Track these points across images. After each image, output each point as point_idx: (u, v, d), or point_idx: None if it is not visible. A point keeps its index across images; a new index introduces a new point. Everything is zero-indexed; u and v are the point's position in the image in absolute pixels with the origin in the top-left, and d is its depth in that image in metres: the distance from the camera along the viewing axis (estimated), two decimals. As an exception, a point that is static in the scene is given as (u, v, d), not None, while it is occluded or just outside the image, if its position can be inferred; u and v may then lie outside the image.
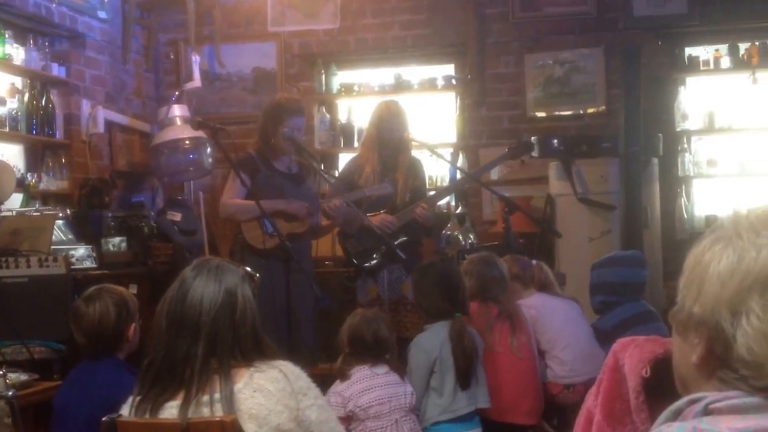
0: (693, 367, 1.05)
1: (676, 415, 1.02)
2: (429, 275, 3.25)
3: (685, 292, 1.06)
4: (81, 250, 4.32)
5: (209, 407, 1.78)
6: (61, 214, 4.50)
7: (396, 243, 3.97)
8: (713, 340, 1.01)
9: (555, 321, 3.54)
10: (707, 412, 0.99)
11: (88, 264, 4.31)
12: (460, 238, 4.97)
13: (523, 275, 3.66)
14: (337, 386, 2.92)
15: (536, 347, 3.47)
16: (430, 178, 5.41)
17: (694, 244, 1.10)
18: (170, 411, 1.82)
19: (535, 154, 4.84)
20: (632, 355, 1.55)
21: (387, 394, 2.88)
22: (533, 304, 3.57)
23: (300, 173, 4.20)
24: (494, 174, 5.45)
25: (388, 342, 2.98)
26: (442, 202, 5.28)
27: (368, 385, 2.89)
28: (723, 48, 5.43)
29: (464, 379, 3.06)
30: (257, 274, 2.03)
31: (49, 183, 4.95)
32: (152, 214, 5.04)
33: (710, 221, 4.98)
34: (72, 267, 4.17)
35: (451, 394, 3.06)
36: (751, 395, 0.99)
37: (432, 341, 3.10)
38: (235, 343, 1.86)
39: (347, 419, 2.85)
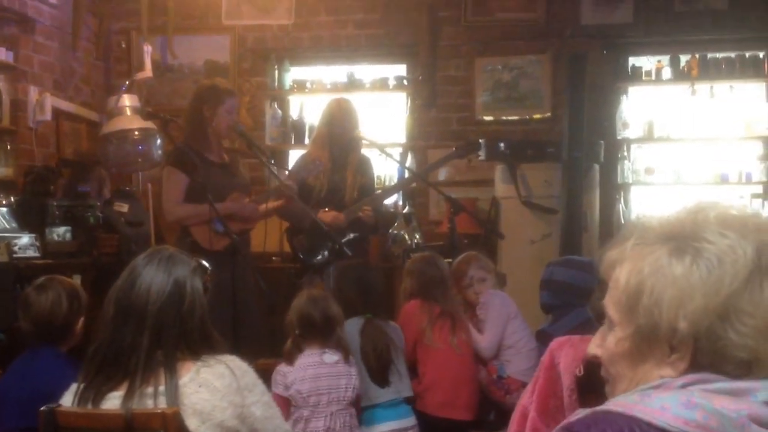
0: (655, 376, 1.04)
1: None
2: (348, 275, 3.37)
3: (660, 309, 1.01)
4: (24, 239, 4.27)
5: (153, 399, 1.78)
6: (4, 202, 4.45)
7: (343, 240, 4.02)
8: (699, 352, 1.00)
9: (520, 317, 3.68)
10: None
11: (31, 253, 4.26)
12: (407, 237, 5.05)
13: (495, 270, 3.78)
14: (284, 366, 2.95)
15: (498, 343, 3.58)
16: (379, 177, 5.47)
17: (628, 253, 1.07)
18: (113, 402, 1.81)
19: (482, 156, 4.93)
20: (567, 354, 1.64)
21: (328, 385, 2.92)
22: (509, 299, 3.69)
23: (231, 162, 4.17)
24: (441, 175, 5.55)
25: (338, 318, 3.02)
26: (390, 201, 5.36)
27: (313, 373, 2.92)
28: (665, 59, 5.61)
29: (379, 376, 3.15)
30: (210, 268, 2.02)
31: (-8, 170, 4.87)
32: (99, 204, 4.99)
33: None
34: (15, 255, 4.13)
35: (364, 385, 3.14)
36: (721, 380, 0.99)
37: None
38: (182, 335, 1.85)
39: (287, 401, 2.90)
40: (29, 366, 2.59)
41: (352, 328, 3.21)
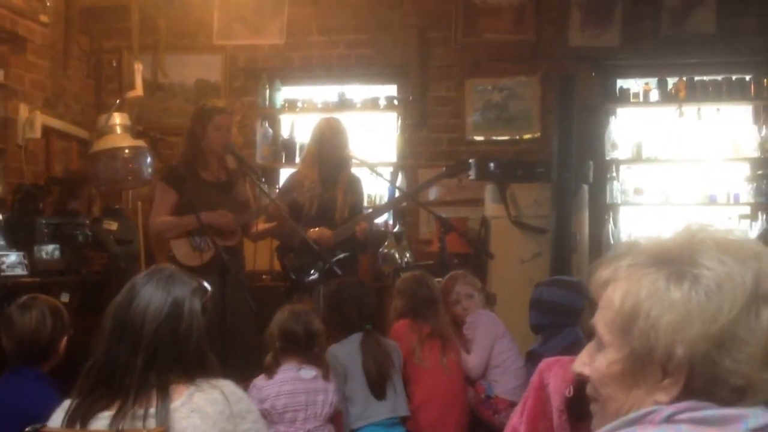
0: (647, 400, 1.03)
1: (633, 423, 1.01)
2: (343, 294, 3.37)
3: (652, 333, 1.01)
4: (12, 257, 4.24)
5: (142, 421, 1.75)
6: (-7, 219, 4.43)
7: (333, 259, 4.03)
8: (694, 377, 1.00)
9: (508, 336, 3.68)
10: (670, 422, 0.99)
11: (19, 271, 4.23)
12: (397, 256, 5.06)
13: (482, 287, 3.80)
14: (261, 380, 2.94)
15: (485, 362, 3.58)
16: (369, 196, 5.49)
17: (622, 273, 1.07)
18: (102, 422, 1.78)
19: (472, 176, 4.96)
20: (557, 374, 1.64)
21: (305, 401, 2.91)
22: (497, 319, 3.69)
23: (229, 181, 4.20)
24: (432, 194, 5.56)
25: (319, 334, 3.02)
26: (380, 220, 5.37)
27: (290, 388, 2.91)
28: (652, 81, 5.66)
29: (378, 388, 3.15)
30: (210, 288, 1.98)
31: (-19, 187, 4.85)
32: (88, 222, 4.98)
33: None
34: (2, 273, 4.11)
35: (363, 402, 3.15)
36: (711, 407, 0.99)
37: (343, 351, 3.22)
38: (177, 358, 1.82)
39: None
40: (10, 388, 2.56)
41: (352, 344, 3.20)
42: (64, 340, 2.64)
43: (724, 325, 0.98)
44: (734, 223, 5.42)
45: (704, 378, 0.99)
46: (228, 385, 1.86)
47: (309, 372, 2.96)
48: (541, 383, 1.64)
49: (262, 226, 4.24)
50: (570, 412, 1.56)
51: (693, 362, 0.99)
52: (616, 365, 1.06)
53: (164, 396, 1.77)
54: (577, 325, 3.66)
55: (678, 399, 1.00)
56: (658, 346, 1.00)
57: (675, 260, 1.03)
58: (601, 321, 1.09)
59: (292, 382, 2.93)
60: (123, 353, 1.81)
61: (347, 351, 3.21)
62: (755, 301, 1.00)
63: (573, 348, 3.43)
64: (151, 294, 1.85)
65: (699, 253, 1.02)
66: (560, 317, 3.52)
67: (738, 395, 0.99)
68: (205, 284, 1.98)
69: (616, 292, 1.06)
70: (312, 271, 4.17)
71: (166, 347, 1.82)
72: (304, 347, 2.97)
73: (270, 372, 2.95)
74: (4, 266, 4.13)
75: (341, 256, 4.17)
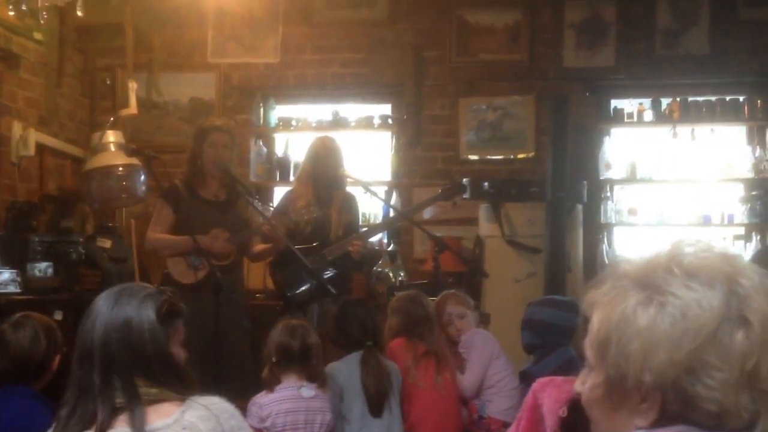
0: (629, 425, 1.03)
1: None
2: (348, 312, 3.38)
3: (627, 361, 1.01)
4: (5, 275, 4.23)
5: None
6: (-15, 237, 4.40)
7: (326, 277, 4.02)
8: (668, 402, 0.99)
9: (503, 356, 3.67)
10: None
11: (12, 289, 4.22)
12: (391, 275, 5.05)
13: (474, 305, 3.79)
14: (261, 398, 2.95)
15: (479, 383, 3.56)
16: (364, 214, 5.48)
17: (602, 298, 1.07)
18: None
19: (466, 195, 4.96)
20: (550, 394, 1.63)
21: (304, 420, 2.92)
22: (492, 339, 3.68)
23: (228, 200, 4.20)
24: (426, 213, 5.55)
25: (316, 348, 3.02)
26: (375, 238, 5.36)
27: (290, 406, 2.92)
28: (646, 102, 5.69)
29: (376, 405, 3.14)
30: (172, 292, 1.93)
31: (-27, 204, 4.83)
32: (81, 240, 4.96)
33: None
34: (-6, 291, 4.09)
35: (359, 421, 3.13)
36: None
37: (341, 370, 3.21)
38: (138, 369, 1.77)
39: None
40: (2, 406, 2.53)
41: (351, 362, 3.19)
42: (57, 358, 2.61)
43: (690, 352, 0.97)
44: (729, 243, 5.43)
45: (678, 404, 0.99)
46: (220, 402, 1.84)
47: (309, 391, 2.97)
48: (535, 403, 1.63)
49: (260, 246, 4.24)
50: (564, 432, 1.55)
51: (664, 388, 0.99)
52: (598, 389, 1.08)
53: (137, 414, 1.72)
54: (569, 344, 3.65)
55: (656, 424, 1.00)
56: (629, 372, 1.01)
57: (649, 284, 1.03)
58: (587, 344, 1.11)
59: (292, 400, 2.93)
60: (84, 375, 1.78)
61: (346, 370, 3.21)
62: (728, 324, 0.98)
63: (566, 368, 3.44)
64: (99, 311, 1.82)
65: (666, 279, 1.02)
66: (552, 337, 3.51)
67: (715, 420, 0.98)
68: (165, 288, 1.94)
69: (595, 316, 1.08)
70: (305, 289, 4.16)
71: (120, 359, 1.77)
72: (301, 361, 2.97)
73: (270, 387, 2.95)
74: (-5, 284, 4.11)
75: (333, 273, 4.16)
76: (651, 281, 1.03)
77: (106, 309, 1.82)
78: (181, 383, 1.83)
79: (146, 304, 1.84)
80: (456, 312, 3.69)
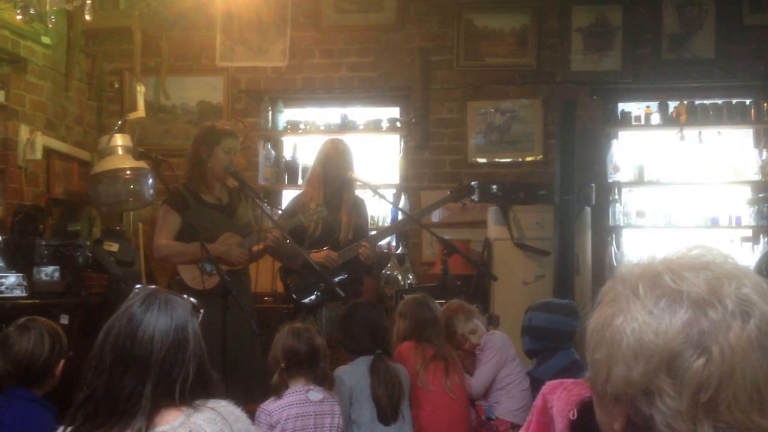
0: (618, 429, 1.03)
1: None
2: (356, 315, 3.36)
3: (596, 367, 1.02)
4: (11, 278, 4.22)
5: None
6: (-8, 241, 4.41)
7: (336, 281, 4.01)
8: (632, 415, 0.98)
9: (517, 359, 3.67)
10: None
11: (18, 293, 4.21)
12: (400, 278, 5.04)
13: (478, 309, 3.79)
14: (269, 404, 2.93)
15: (488, 384, 3.55)
16: (372, 218, 5.47)
17: (598, 301, 1.07)
18: None
19: (474, 198, 4.95)
20: (560, 397, 1.62)
21: (313, 424, 2.91)
22: (508, 341, 3.67)
23: (231, 203, 4.18)
24: (435, 216, 5.55)
25: (323, 350, 3.01)
26: (383, 241, 5.36)
27: (298, 411, 2.91)
28: (653, 105, 5.68)
29: (386, 413, 3.12)
30: (202, 308, 1.97)
31: (-20, 208, 4.84)
32: (88, 243, 4.96)
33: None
34: (1, 295, 4.09)
35: (369, 426, 3.11)
36: None
37: (350, 374, 3.20)
38: (183, 380, 1.78)
39: None
40: (4, 409, 2.53)
41: (360, 367, 3.18)
42: (62, 363, 2.61)
43: (643, 375, 0.95)
44: (736, 246, 5.42)
45: (640, 418, 0.97)
46: (226, 406, 1.83)
47: (317, 394, 2.95)
48: (544, 406, 1.61)
49: (255, 247, 4.22)
50: (575, 436, 1.54)
51: (624, 402, 0.97)
52: (594, 399, 1.09)
53: (150, 417, 1.72)
54: (571, 346, 3.65)
55: (628, 429, 0.99)
56: (597, 379, 1.02)
57: (617, 298, 1.01)
58: None
59: (300, 404, 2.92)
60: (129, 383, 1.76)
61: (354, 374, 3.19)
62: (689, 350, 0.94)
63: (570, 369, 3.44)
64: (155, 322, 1.80)
65: (630, 299, 0.99)
66: (551, 342, 3.53)
67: None
68: (193, 300, 1.94)
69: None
70: (315, 293, 4.15)
71: (174, 372, 1.78)
72: (309, 364, 2.96)
73: (278, 392, 2.93)
74: (3, 288, 4.11)
75: (343, 277, 4.15)
76: (622, 295, 1.01)
77: (163, 321, 1.80)
78: (207, 393, 1.82)
79: (195, 318, 1.86)
80: (467, 329, 3.68)
